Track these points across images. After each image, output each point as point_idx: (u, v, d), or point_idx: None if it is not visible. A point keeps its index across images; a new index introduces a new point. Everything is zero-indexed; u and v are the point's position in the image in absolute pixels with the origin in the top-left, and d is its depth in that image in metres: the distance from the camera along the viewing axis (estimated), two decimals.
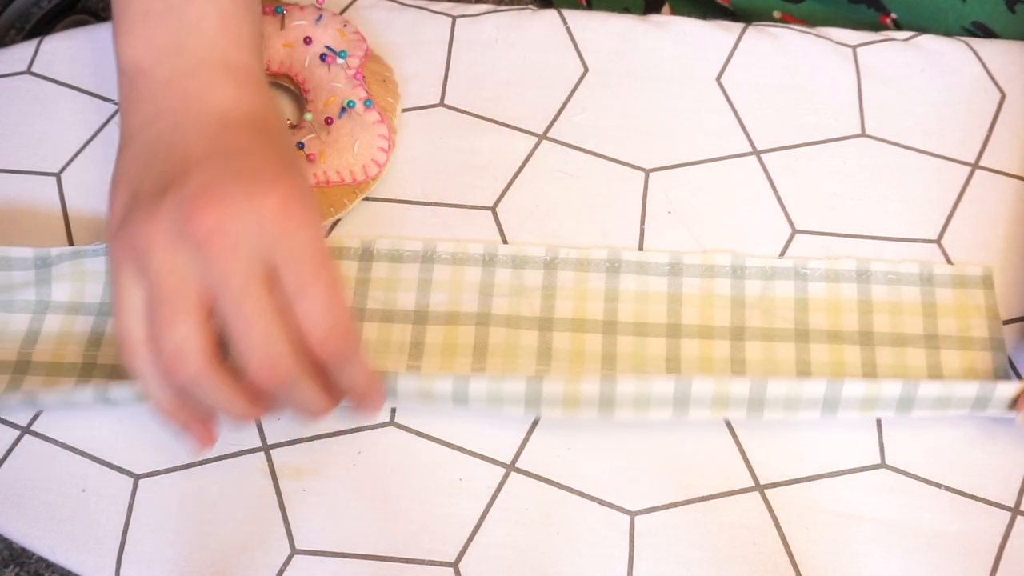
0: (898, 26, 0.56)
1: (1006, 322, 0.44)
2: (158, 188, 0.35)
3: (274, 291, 0.34)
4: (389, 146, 0.47)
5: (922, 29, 0.52)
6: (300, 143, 0.45)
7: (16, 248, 0.44)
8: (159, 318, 0.34)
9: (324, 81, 0.47)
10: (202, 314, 0.34)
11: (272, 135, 0.39)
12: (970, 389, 0.39)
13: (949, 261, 0.46)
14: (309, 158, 0.45)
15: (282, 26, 0.48)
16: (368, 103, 0.46)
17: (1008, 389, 0.39)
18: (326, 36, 0.47)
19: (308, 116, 0.46)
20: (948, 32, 0.52)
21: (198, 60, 0.39)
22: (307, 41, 0.47)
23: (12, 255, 0.44)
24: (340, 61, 0.47)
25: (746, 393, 0.39)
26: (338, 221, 0.46)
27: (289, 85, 0.48)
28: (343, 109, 0.46)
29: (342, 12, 0.51)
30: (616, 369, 0.42)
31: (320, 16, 0.48)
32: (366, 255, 0.45)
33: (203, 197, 0.34)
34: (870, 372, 0.42)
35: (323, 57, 0.47)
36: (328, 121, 0.46)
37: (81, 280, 0.44)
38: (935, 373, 0.42)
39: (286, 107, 0.49)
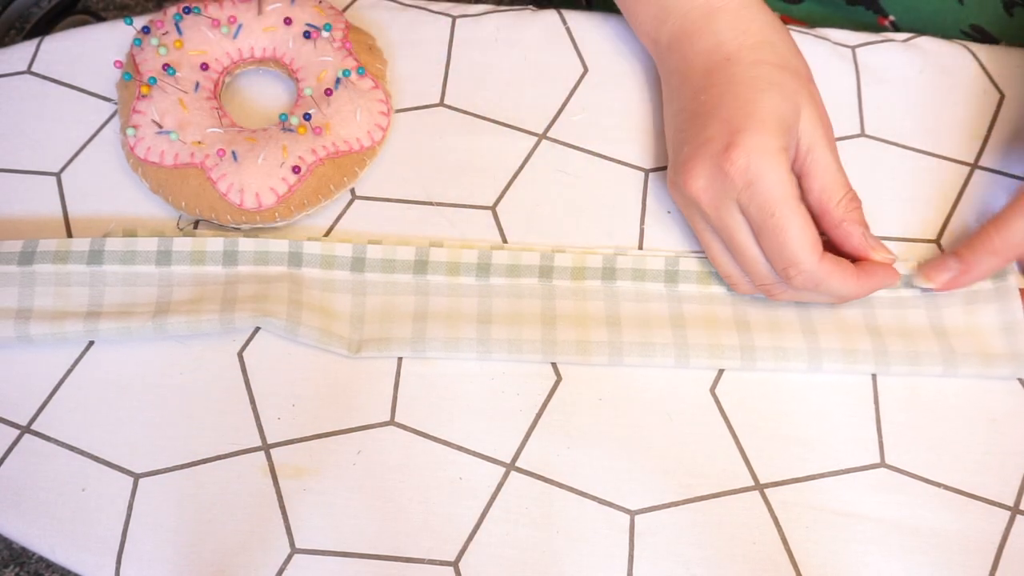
0: (896, 28, 0.56)
1: None
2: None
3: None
4: (388, 110, 0.47)
5: (920, 32, 0.52)
6: (307, 114, 0.45)
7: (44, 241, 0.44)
8: (748, 265, 0.43)
9: (313, 57, 0.47)
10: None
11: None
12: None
13: None
14: (316, 131, 0.45)
15: (259, 11, 0.48)
16: (361, 71, 0.47)
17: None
18: (304, 14, 0.48)
19: (308, 90, 0.46)
20: (946, 35, 0.52)
21: None
22: (287, 22, 0.48)
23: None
24: (326, 34, 0.47)
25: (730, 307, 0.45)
26: (340, 217, 0.46)
27: (277, 69, 0.48)
28: (338, 80, 0.46)
29: (343, 11, 0.51)
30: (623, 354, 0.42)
31: None
32: (357, 265, 0.45)
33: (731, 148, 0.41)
34: (882, 361, 0.42)
35: (307, 35, 0.47)
36: (328, 92, 0.46)
37: (67, 288, 0.44)
38: (948, 357, 0.42)
39: (278, 92, 0.49)
